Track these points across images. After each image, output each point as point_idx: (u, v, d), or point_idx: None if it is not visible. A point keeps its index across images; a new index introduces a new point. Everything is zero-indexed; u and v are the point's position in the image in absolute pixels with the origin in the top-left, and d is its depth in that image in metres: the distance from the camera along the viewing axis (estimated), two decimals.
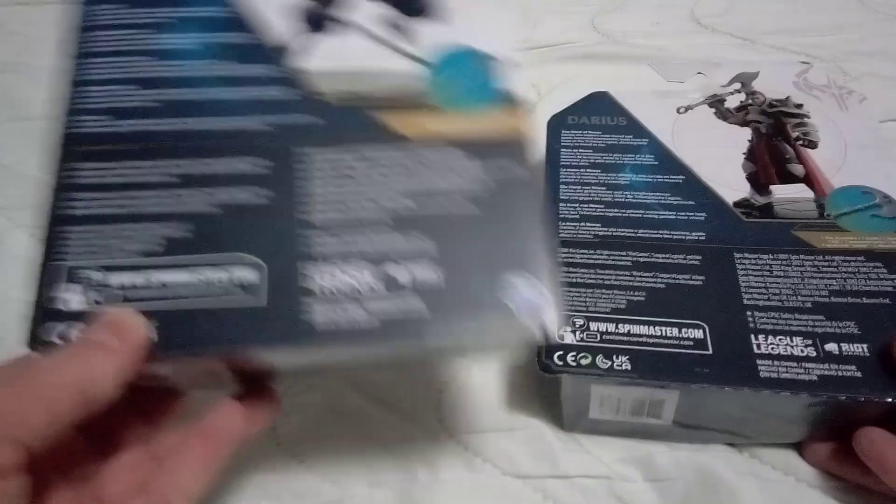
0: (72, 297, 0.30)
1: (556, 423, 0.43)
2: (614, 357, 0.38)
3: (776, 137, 0.49)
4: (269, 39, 0.36)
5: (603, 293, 0.41)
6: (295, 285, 0.31)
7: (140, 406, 0.35)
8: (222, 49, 0.36)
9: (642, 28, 0.72)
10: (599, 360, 0.38)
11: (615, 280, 0.41)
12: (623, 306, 0.40)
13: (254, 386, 0.35)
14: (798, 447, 0.41)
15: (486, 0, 0.37)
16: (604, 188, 0.47)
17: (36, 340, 0.29)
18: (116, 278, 0.31)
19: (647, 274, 0.42)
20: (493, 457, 0.42)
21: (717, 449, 0.41)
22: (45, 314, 0.30)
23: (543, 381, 0.41)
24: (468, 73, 0.36)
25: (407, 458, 0.42)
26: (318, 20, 0.37)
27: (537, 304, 0.31)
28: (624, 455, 0.42)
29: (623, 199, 0.46)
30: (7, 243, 0.57)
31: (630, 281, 0.41)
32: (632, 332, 0.39)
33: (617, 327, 0.39)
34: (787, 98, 0.52)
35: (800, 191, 0.46)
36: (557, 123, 0.52)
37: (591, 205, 0.46)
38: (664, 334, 0.39)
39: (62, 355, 0.28)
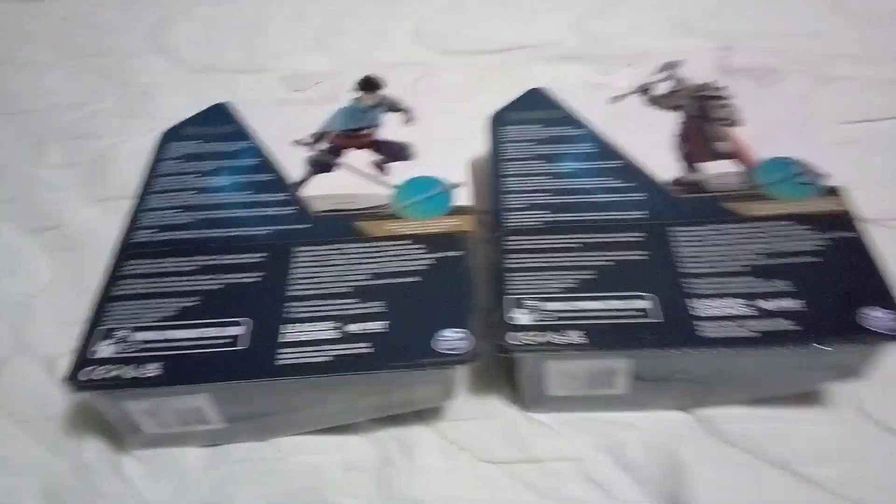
0: (102, 349, 0.41)
1: (520, 405, 0.45)
2: (566, 333, 0.40)
3: (703, 119, 0.52)
4: (282, 177, 0.51)
5: (554, 275, 0.43)
6: (273, 340, 0.41)
7: None
8: (247, 184, 0.50)
9: (625, 30, 0.75)
10: (552, 336, 0.40)
11: (565, 262, 0.43)
12: (574, 285, 0.42)
13: None
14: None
15: (442, 142, 0.52)
16: (548, 177, 0.49)
17: (69, 378, 0.40)
18: (139, 336, 0.41)
19: (594, 253, 0.44)
20: (467, 444, 0.44)
21: (687, 433, 0.43)
22: (82, 361, 0.40)
23: (511, 368, 0.43)
24: (424, 191, 0.49)
25: (384, 446, 0.44)
26: (319, 163, 0.52)
27: (463, 346, 0.40)
28: (595, 440, 0.43)
29: (567, 187, 0.48)
30: None
31: (579, 261, 0.43)
32: (582, 308, 0.41)
33: (567, 305, 0.41)
34: (711, 82, 0.55)
35: (728, 166, 0.49)
36: (499, 120, 0.54)
37: (537, 194, 0.48)
38: (612, 307, 0.41)
39: None
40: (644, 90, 0.55)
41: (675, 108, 0.54)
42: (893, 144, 0.59)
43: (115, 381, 0.39)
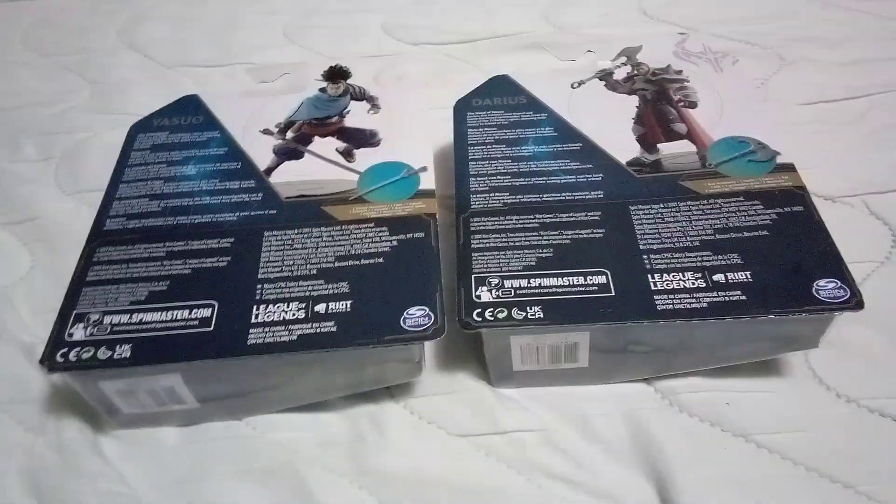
0: (76, 332, 0.42)
1: (487, 381, 0.46)
2: (528, 308, 0.41)
3: (660, 102, 0.54)
4: (251, 165, 0.52)
5: (514, 254, 0.44)
6: (245, 320, 0.42)
7: None
8: (216, 172, 0.52)
9: (592, 20, 0.77)
10: (514, 312, 0.41)
11: (524, 241, 0.45)
12: (533, 263, 0.44)
13: None
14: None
15: (408, 129, 0.54)
16: (509, 161, 0.50)
17: (45, 359, 0.41)
18: (109, 319, 0.42)
19: (552, 232, 0.45)
20: (436, 418, 0.45)
21: (650, 404, 0.45)
22: (56, 343, 0.41)
23: (478, 345, 0.45)
24: (389, 176, 0.50)
25: (356, 422, 0.45)
26: (287, 151, 0.53)
27: (428, 324, 0.41)
28: (562, 412, 0.45)
29: (527, 169, 0.50)
30: None
31: (538, 240, 0.45)
32: (542, 284, 0.43)
33: (529, 282, 0.43)
34: (668, 66, 0.57)
35: (684, 146, 0.50)
36: (463, 107, 0.55)
37: (498, 177, 0.49)
38: (571, 283, 0.42)
39: None
40: (604, 75, 0.57)
41: (634, 91, 0.55)
42: (847, 124, 0.61)
43: (88, 363, 0.40)
